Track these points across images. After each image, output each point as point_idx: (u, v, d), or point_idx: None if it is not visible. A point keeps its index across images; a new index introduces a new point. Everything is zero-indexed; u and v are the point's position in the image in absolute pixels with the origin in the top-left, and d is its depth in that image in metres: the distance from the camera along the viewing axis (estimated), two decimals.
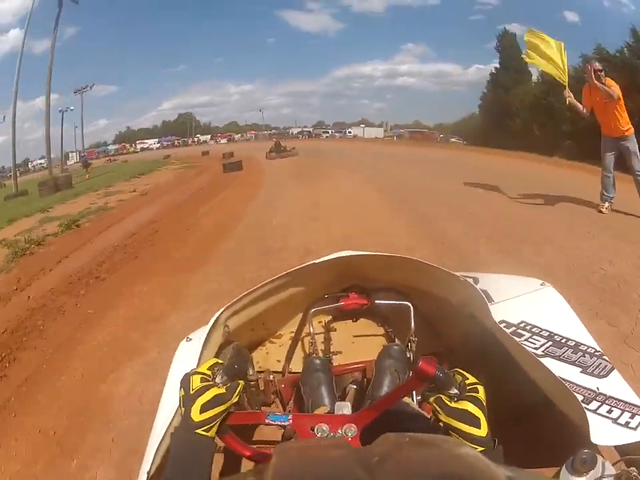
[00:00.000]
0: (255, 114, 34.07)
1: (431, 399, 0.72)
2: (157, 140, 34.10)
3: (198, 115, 36.69)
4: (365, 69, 32.75)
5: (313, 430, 0.77)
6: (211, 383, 0.75)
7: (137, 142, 33.63)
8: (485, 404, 0.71)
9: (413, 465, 0.48)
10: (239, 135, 34.19)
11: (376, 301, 1.53)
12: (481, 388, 0.73)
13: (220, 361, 0.80)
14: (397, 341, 1.64)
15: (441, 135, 25.40)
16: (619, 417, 0.88)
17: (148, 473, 0.85)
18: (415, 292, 1.49)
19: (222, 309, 1.25)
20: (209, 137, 34.47)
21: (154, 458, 0.86)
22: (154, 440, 0.93)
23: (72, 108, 28.13)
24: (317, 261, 1.34)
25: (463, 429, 0.68)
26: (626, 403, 0.89)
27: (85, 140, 33.00)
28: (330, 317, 1.77)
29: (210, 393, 0.72)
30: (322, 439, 0.75)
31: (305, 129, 33.57)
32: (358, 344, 1.71)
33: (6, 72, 28.19)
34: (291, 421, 0.81)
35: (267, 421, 0.81)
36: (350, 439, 0.74)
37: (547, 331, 1.10)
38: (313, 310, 1.52)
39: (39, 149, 28.69)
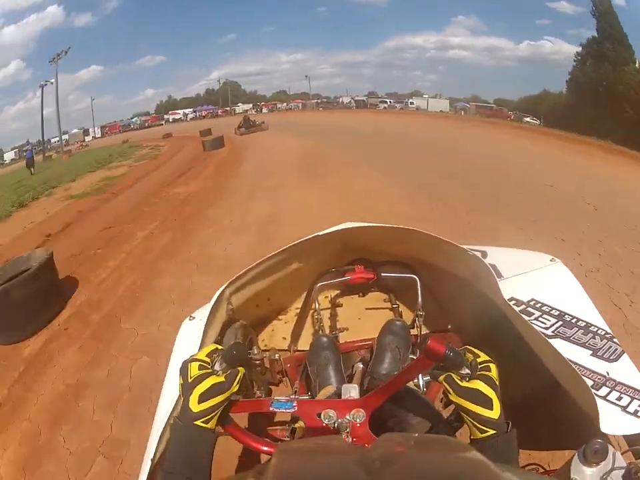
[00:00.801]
0: (305, 83, 33.69)
1: (441, 378, 0.71)
2: (191, 110, 34.17)
3: (248, 83, 37.15)
4: (416, 40, 31.61)
5: (320, 416, 0.77)
6: (209, 370, 0.74)
7: (170, 113, 33.72)
8: (497, 383, 0.69)
9: (416, 469, 0.49)
10: (285, 103, 33.96)
11: (382, 274, 1.53)
12: (493, 366, 0.71)
13: (219, 347, 0.80)
14: (403, 316, 1.64)
15: (510, 113, 23.40)
16: (628, 405, 0.85)
17: (150, 466, 0.86)
18: (421, 265, 1.48)
19: (225, 285, 1.27)
20: (249, 106, 34.05)
21: (156, 449, 0.88)
22: (156, 429, 0.95)
23: (52, 81, 26.97)
24: (321, 233, 1.33)
25: (474, 410, 0.67)
26: (636, 390, 0.87)
27: (130, 109, 34.02)
28: (336, 292, 1.80)
29: (208, 381, 0.71)
30: (322, 438, 0.73)
31: (356, 98, 31.17)
32: (365, 319, 1.73)
33: (46, 47, 30.05)
34: (295, 407, 0.79)
35: (270, 409, 0.80)
36: (359, 424, 0.75)
37: (557, 310, 1.07)
38: (318, 285, 1.53)
39: (80, 121, 30.71)
